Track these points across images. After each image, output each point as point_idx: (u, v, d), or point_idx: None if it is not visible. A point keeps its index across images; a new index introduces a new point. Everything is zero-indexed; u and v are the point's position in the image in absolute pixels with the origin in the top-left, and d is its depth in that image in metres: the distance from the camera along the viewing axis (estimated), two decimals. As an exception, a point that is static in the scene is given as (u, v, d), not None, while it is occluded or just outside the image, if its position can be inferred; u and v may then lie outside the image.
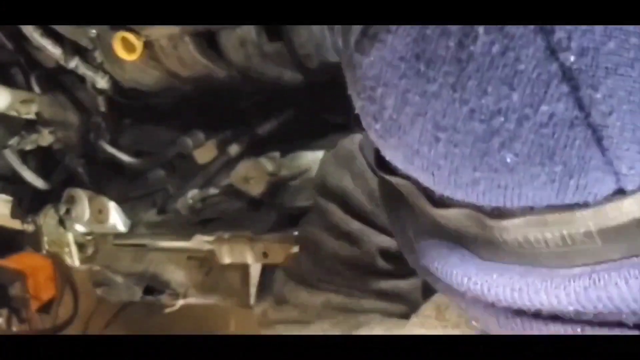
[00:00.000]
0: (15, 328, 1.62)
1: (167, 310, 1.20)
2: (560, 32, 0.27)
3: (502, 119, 0.29)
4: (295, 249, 0.70)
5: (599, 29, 0.27)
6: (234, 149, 1.09)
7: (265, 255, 1.04)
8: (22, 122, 1.21)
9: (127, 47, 0.99)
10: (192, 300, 1.17)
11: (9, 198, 1.27)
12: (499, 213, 0.31)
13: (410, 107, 0.31)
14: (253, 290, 1.09)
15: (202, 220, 1.12)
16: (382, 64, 0.32)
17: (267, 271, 1.04)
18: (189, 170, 1.18)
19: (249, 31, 0.92)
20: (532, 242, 0.32)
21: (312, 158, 1.06)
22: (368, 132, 0.34)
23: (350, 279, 0.64)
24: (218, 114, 1.18)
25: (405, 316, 0.58)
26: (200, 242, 1.09)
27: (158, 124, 1.23)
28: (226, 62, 0.97)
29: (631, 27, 0.27)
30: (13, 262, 1.59)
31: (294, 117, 1.09)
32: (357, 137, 0.68)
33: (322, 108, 1.08)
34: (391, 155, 0.34)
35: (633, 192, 0.29)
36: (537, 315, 0.33)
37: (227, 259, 1.08)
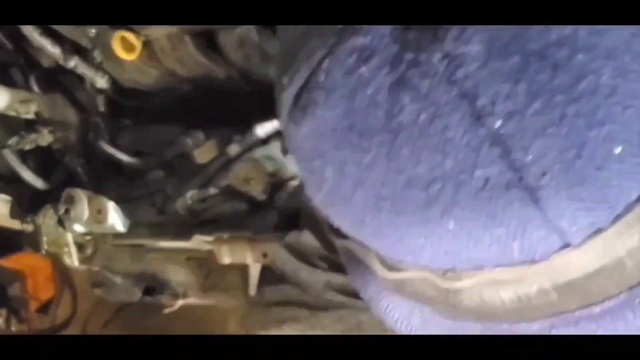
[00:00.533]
0: (14, 328, 1.62)
1: (166, 310, 1.19)
2: (484, 97, 0.27)
3: (439, 185, 0.29)
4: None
5: (522, 91, 0.27)
6: (233, 149, 1.09)
7: (265, 255, 1.04)
8: (21, 122, 1.21)
9: (126, 46, 0.99)
10: (191, 300, 1.16)
11: (8, 198, 1.27)
12: (451, 275, 0.32)
13: (349, 178, 0.31)
14: (253, 290, 1.09)
15: (202, 220, 1.12)
16: (316, 136, 0.32)
17: (267, 271, 1.04)
18: (189, 170, 1.18)
19: (248, 31, 0.92)
20: (487, 301, 0.32)
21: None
22: (313, 201, 0.34)
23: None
24: (218, 114, 1.18)
25: None
26: (200, 242, 1.09)
27: (157, 124, 1.23)
28: (226, 62, 0.97)
29: (555, 83, 0.27)
30: (12, 262, 1.58)
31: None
32: None
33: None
34: (338, 223, 0.34)
35: (580, 244, 0.29)
36: None
37: (226, 260, 1.07)
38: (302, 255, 0.65)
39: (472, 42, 0.28)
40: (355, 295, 0.61)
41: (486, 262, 0.30)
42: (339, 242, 0.37)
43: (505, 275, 0.30)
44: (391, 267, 0.34)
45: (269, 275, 0.69)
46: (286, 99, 0.33)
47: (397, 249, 0.32)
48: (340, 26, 0.30)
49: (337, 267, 0.62)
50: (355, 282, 0.41)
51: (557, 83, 0.27)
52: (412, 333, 0.36)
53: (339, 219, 0.34)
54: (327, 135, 0.31)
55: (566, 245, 0.29)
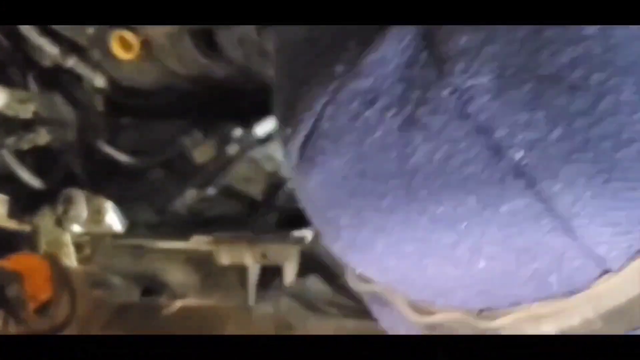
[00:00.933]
0: (12, 329, 1.61)
1: (166, 311, 1.19)
2: (501, 129, 0.26)
3: (464, 224, 0.28)
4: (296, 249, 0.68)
5: (540, 118, 0.26)
6: (233, 149, 1.08)
7: (264, 256, 1.03)
8: (19, 122, 1.20)
9: (124, 45, 0.99)
10: (190, 301, 1.16)
11: (6, 198, 1.27)
12: (487, 314, 0.31)
13: (367, 225, 0.30)
14: (252, 291, 1.09)
15: (201, 220, 1.12)
16: (327, 185, 0.30)
17: (267, 272, 1.03)
18: (188, 170, 1.18)
19: (248, 30, 0.92)
20: None
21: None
22: (330, 250, 0.33)
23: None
24: (217, 113, 1.18)
25: None
26: (199, 242, 1.09)
27: (156, 123, 1.22)
28: (225, 61, 0.96)
29: (574, 106, 0.26)
30: (10, 262, 1.58)
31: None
32: None
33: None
34: (361, 270, 0.33)
35: (620, 269, 0.28)
36: None
37: (226, 260, 1.07)
38: (308, 303, 0.63)
39: (481, 73, 0.27)
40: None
41: (523, 298, 0.29)
42: (362, 287, 0.36)
43: (545, 309, 0.29)
44: (422, 311, 0.33)
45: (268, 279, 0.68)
46: (292, 151, 0.31)
47: (427, 293, 0.31)
48: (340, 69, 0.29)
49: (347, 312, 0.61)
50: (384, 324, 0.39)
51: (576, 106, 0.26)
52: None
53: (361, 266, 0.33)
54: (339, 184, 0.30)
55: (606, 272, 0.28)
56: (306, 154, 0.31)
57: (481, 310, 0.30)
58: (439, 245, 0.28)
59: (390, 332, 0.39)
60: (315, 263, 0.66)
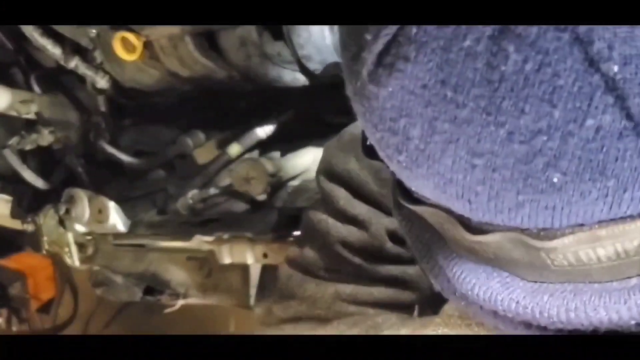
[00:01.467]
0: (15, 328, 1.62)
1: (167, 310, 1.19)
2: (600, 42, 0.26)
3: (544, 138, 0.27)
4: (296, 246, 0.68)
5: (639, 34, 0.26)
6: (234, 149, 1.09)
7: (265, 255, 1.04)
8: (22, 122, 1.21)
9: (127, 47, 0.99)
10: (192, 300, 1.16)
11: (9, 198, 1.27)
12: (546, 234, 0.30)
13: (439, 136, 0.29)
14: (253, 290, 1.09)
15: (202, 220, 1.12)
16: (403, 94, 0.29)
17: (267, 271, 1.04)
18: (189, 170, 1.18)
19: (249, 31, 0.92)
20: (583, 260, 0.30)
21: (312, 158, 1.06)
22: (389, 164, 0.32)
23: (358, 266, 0.62)
24: (218, 114, 1.18)
25: (413, 304, 0.57)
26: (200, 242, 1.09)
27: (158, 124, 1.23)
28: (226, 62, 0.97)
29: None
30: (13, 262, 1.59)
31: (294, 117, 1.09)
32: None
33: (322, 108, 1.08)
34: (418, 186, 0.32)
35: None
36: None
37: (227, 260, 1.07)
38: (306, 269, 0.64)
39: None
40: (366, 303, 0.60)
41: (590, 216, 0.28)
42: (406, 210, 0.35)
43: (606, 232, 0.29)
44: (475, 229, 0.32)
45: (271, 281, 0.68)
46: (367, 58, 0.30)
47: (489, 208, 0.29)
48: None
49: (343, 278, 0.62)
50: (418, 252, 0.39)
51: None
52: (493, 297, 0.33)
53: (421, 180, 0.31)
54: (416, 93, 0.29)
55: None
56: (385, 60, 0.30)
57: (541, 229, 0.30)
58: (512, 159, 0.28)
59: (422, 262, 0.38)
60: (309, 234, 0.67)
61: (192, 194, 1.11)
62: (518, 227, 0.30)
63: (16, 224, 1.29)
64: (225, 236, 1.06)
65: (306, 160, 1.07)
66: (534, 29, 0.27)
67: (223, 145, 1.13)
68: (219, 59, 0.97)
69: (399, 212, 0.40)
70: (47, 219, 1.23)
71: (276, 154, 1.09)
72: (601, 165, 0.27)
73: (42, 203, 1.24)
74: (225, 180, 1.10)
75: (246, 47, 0.93)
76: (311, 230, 0.65)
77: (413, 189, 0.33)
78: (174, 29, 0.95)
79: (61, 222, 1.22)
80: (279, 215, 1.03)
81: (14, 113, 1.17)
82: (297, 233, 0.88)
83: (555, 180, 0.28)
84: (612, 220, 0.28)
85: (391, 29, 0.29)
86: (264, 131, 1.08)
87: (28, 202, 1.26)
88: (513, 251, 0.32)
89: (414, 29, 0.29)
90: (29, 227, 1.25)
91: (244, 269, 1.09)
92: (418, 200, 0.34)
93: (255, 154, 1.10)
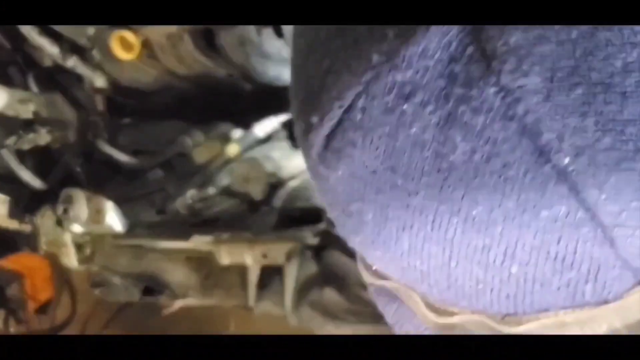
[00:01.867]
0: (12, 329, 1.61)
1: (166, 311, 1.19)
2: (549, 133, 0.25)
3: (500, 228, 0.27)
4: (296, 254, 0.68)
5: (590, 124, 0.25)
6: (233, 149, 1.09)
7: (264, 256, 1.03)
8: (20, 122, 1.21)
9: (125, 46, 0.99)
10: (191, 301, 1.16)
11: (6, 198, 1.27)
12: (511, 319, 0.29)
13: (393, 222, 0.28)
14: (252, 291, 1.09)
15: (201, 220, 1.12)
16: (353, 179, 0.29)
17: (266, 272, 1.03)
18: (188, 170, 1.18)
19: (248, 30, 0.92)
20: None
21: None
22: (347, 242, 0.32)
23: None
24: (217, 113, 1.18)
25: None
26: (199, 242, 1.09)
27: (157, 123, 1.23)
28: (225, 61, 0.96)
29: (625, 114, 0.25)
30: (10, 262, 1.58)
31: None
32: None
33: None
34: (379, 266, 0.32)
35: None
36: None
37: (226, 260, 1.07)
38: (326, 311, 0.63)
39: (531, 74, 0.25)
40: None
41: (553, 305, 0.28)
42: (377, 282, 0.35)
43: (572, 317, 0.29)
44: (439, 311, 0.32)
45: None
46: (314, 140, 0.30)
47: (450, 295, 0.29)
48: (377, 60, 0.28)
49: (364, 319, 0.61)
50: (389, 319, 0.38)
51: (628, 114, 0.25)
52: None
53: (381, 262, 0.31)
54: (366, 178, 0.28)
55: None
56: (333, 145, 0.29)
57: (505, 315, 0.29)
58: (469, 248, 0.27)
59: (396, 328, 0.39)
60: (331, 275, 0.66)
61: (191, 193, 1.11)
62: (483, 311, 0.30)
63: (13, 224, 1.29)
64: (225, 236, 1.05)
65: (306, 160, 1.07)
66: (480, 118, 0.26)
67: (222, 144, 1.13)
68: (218, 58, 0.97)
69: (375, 283, 0.39)
70: (45, 219, 1.23)
71: (276, 154, 1.08)
72: (560, 256, 0.27)
73: (40, 203, 1.24)
74: (224, 180, 1.10)
75: (245, 46, 0.93)
76: (331, 271, 0.65)
77: (374, 268, 0.33)
78: (173, 28, 0.95)
79: (59, 222, 1.21)
80: (278, 215, 1.03)
81: (11, 112, 1.16)
82: (297, 233, 0.88)
83: (513, 271, 0.27)
84: (577, 306, 0.28)
85: (336, 113, 0.29)
86: (263, 131, 1.08)
87: (25, 202, 1.25)
88: (479, 334, 0.32)
89: (358, 115, 0.28)
90: (27, 228, 1.25)
91: (243, 269, 1.08)
92: (383, 276, 0.34)
93: (254, 153, 1.10)
